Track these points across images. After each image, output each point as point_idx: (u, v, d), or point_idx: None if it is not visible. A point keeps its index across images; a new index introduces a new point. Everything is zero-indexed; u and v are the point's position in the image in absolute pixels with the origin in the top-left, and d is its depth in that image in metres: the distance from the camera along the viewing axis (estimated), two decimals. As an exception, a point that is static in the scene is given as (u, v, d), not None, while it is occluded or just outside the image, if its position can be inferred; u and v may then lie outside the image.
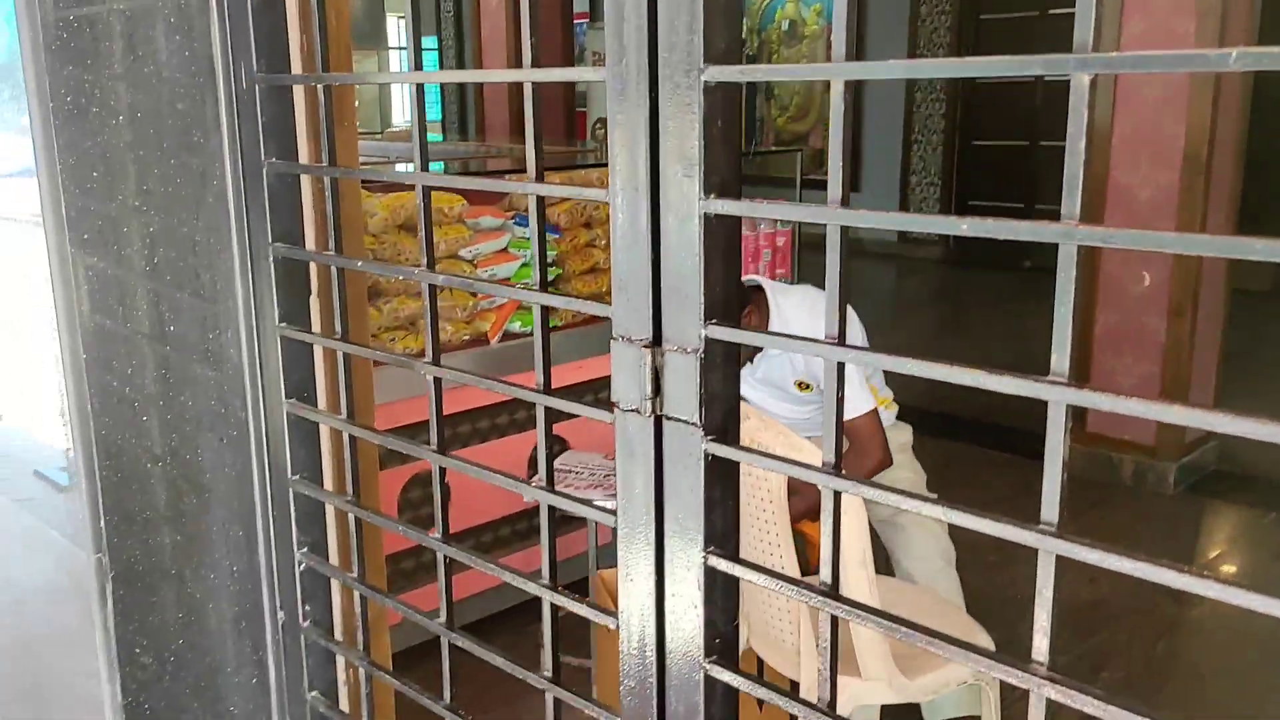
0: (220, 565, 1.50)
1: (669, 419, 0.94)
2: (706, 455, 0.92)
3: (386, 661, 1.68)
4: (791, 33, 10.74)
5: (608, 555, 2.70)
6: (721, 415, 0.93)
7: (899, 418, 2.86)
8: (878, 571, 2.49)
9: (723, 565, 0.94)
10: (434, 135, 12.45)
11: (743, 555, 2.00)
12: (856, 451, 2.47)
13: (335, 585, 1.51)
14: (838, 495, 0.84)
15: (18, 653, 1.62)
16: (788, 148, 7.11)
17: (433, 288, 1.19)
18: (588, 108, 7.85)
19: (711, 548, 0.94)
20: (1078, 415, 4.40)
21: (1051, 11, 8.43)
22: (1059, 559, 0.72)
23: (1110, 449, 4.21)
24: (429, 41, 13.40)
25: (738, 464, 0.94)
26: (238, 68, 1.35)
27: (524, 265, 2.86)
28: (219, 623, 1.52)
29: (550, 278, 2.98)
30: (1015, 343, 6.09)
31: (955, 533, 2.59)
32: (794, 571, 1.91)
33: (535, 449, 3.10)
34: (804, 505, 2.30)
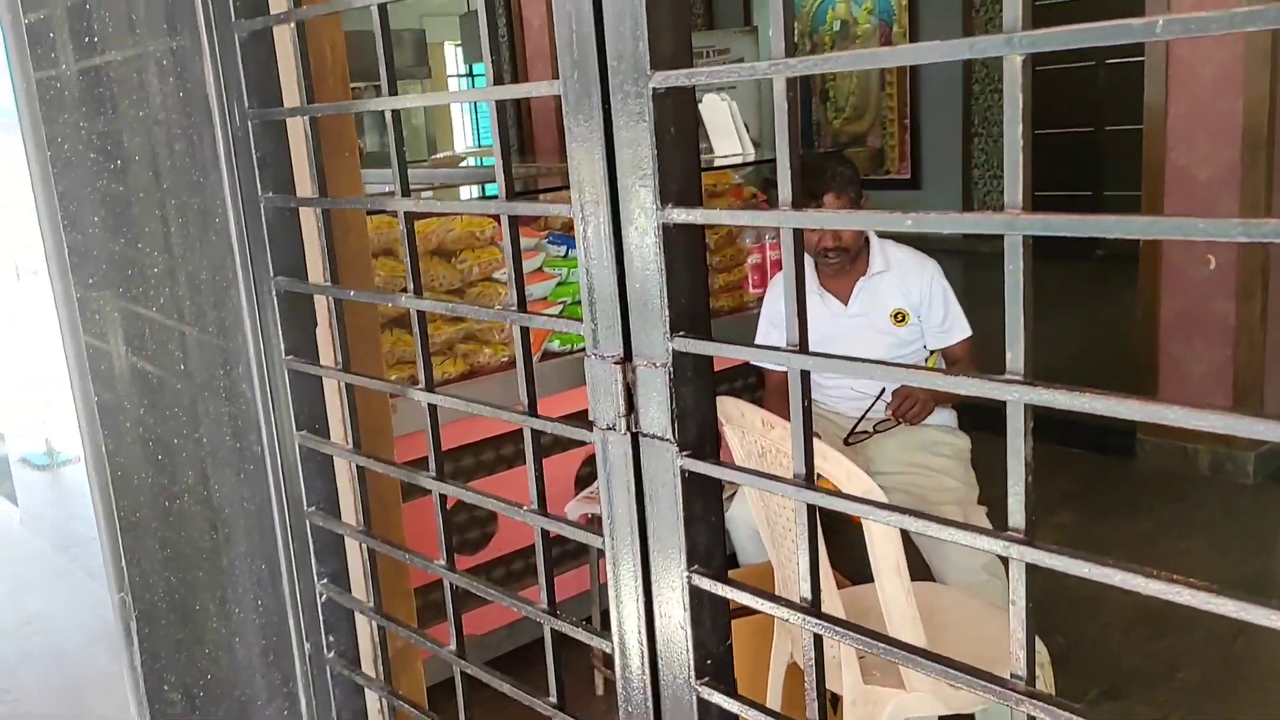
0: (245, 599, 1.51)
1: (644, 436, 0.91)
2: (683, 472, 0.89)
3: (416, 692, 1.68)
4: (844, 33, 10.64)
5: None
6: (697, 429, 0.90)
7: (960, 426, 2.79)
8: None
9: (706, 584, 0.91)
10: (489, 159, 12.59)
11: (776, 561, 1.96)
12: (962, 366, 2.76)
13: (358, 616, 1.51)
14: (811, 509, 0.81)
15: (60, 695, 1.65)
16: (844, 149, 7.08)
17: (422, 314, 1.18)
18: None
19: (695, 566, 0.91)
20: (1146, 406, 4.25)
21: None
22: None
23: (1184, 440, 4.06)
24: (480, 67, 13.58)
25: (718, 480, 0.91)
26: (231, 106, 1.36)
27: (560, 284, 2.86)
28: (247, 656, 1.52)
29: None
30: (1090, 331, 5.93)
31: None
32: (828, 578, 1.86)
33: (582, 466, 3.09)
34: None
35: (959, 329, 2.72)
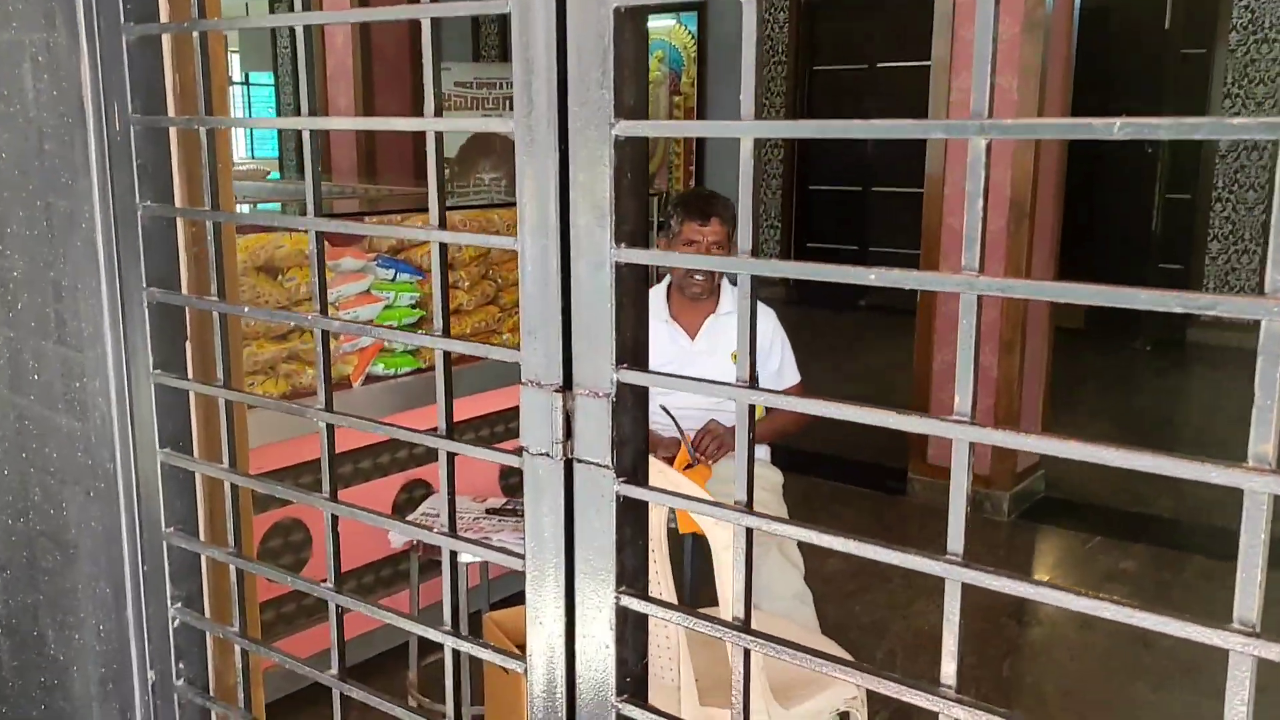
0: (86, 625, 1.43)
1: (580, 462, 0.95)
2: (618, 497, 0.94)
3: (263, 716, 1.63)
4: (634, 77, 10.93)
5: (475, 598, 2.67)
6: (632, 457, 0.96)
7: (773, 461, 2.94)
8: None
9: (635, 604, 0.96)
10: (271, 174, 12.11)
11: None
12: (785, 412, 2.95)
13: (209, 640, 1.46)
14: (749, 532, 0.88)
15: None
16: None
17: (326, 333, 1.18)
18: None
19: (623, 587, 0.96)
20: (919, 449, 4.49)
21: (880, 65, 8.85)
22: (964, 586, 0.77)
23: (949, 479, 4.41)
24: (265, 77, 13.09)
25: (647, 504, 0.97)
26: (109, 109, 1.31)
27: (387, 308, 2.83)
28: (84, 685, 1.44)
29: (414, 320, 2.96)
30: (863, 377, 6.39)
31: (810, 565, 2.69)
32: (671, 596, 1.94)
33: (399, 492, 3.06)
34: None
35: (790, 376, 2.94)
